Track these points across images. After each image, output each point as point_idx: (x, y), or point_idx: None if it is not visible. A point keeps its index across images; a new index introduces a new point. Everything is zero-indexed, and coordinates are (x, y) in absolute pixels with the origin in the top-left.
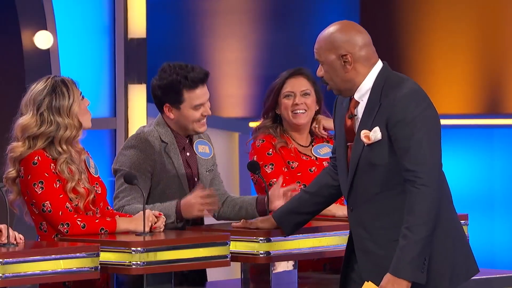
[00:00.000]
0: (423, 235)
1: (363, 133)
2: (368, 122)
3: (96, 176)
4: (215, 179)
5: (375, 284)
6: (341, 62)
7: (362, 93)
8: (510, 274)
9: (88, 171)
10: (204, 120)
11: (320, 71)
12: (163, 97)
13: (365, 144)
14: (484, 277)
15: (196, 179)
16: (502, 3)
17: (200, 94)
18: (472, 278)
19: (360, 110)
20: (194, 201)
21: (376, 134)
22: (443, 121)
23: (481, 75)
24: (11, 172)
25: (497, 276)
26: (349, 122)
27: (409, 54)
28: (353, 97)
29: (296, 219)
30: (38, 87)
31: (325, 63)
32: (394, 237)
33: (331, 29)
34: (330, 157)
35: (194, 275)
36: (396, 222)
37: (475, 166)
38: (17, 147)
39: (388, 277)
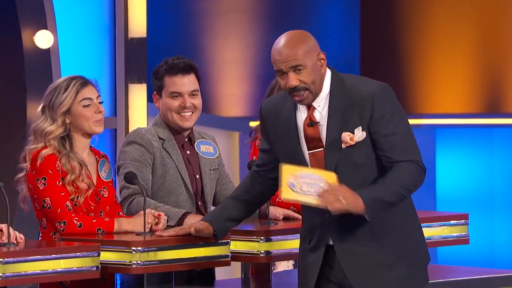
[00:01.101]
0: (402, 197)
1: (346, 135)
2: (342, 125)
3: (107, 180)
4: (223, 179)
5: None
6: (320, 63)
7: (321, 99)
8: (510, 274)
9: (98, 174)
10: (187, 114)
11: (295, 80)
12: (153, 84)
13: (345, 146)
14: (484, 276)
15: (197, 177)
16: (502, 3)
17: (178, 82)
18: (472, 278)
19: (319, 116)
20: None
21: (360, 133)
22: (443, 121)
23: (481, 75)
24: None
25: (497, 276)
26: (311, 130)
27: (409, 54)
28: (312, 104)
29: (231, 225)
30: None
31: (307, 67)
32: (379, 235)
33: (297, 36)
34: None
35: (203, 274)
36: (380, 219)
37: (475, 166)
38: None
39: (355, 193)
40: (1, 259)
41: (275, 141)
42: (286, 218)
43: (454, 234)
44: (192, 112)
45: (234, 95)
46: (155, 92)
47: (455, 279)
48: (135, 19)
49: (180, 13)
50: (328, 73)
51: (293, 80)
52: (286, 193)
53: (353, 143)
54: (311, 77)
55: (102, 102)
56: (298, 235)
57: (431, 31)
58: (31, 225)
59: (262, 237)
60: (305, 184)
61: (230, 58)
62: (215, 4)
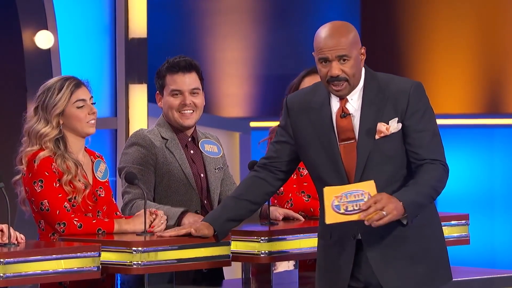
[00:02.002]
0: (432, 199)
1: (382, 125)
2: (377, 116)
3: (103, 180)
4: (227, 180)
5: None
6: (361, 57)
7: (354, 92)
8: (510, 274)
9: (94, 174)
10: (188, 112)
11: (338, 69)
12: (156, 84)
13: (379, 137)
14: (484, 277)
15: (202, 175)
16: (502, 3)
17: (179, 80)
18: (473, 278)
19: (351, 109)
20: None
21: (395, 124)
22: (443, 121)
23: (481, 75)
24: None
25: (497, 276)
26: (343, 121)
27: (409, 54)
28: (346, 97)
29: (232, 226)
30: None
31: (351, 58)
32: (406, 230)
33: (344, 26)
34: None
35: (211, 273)
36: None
37: (475, 166)
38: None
39: (395, 199)
40: (1, 260)
41: (300, 134)
42: (286, 218)
43: (455, 235)
44: (193, 111)
45: (234, 95)
46: (157, 92)
47: (455, 279)
48: (135, 19)
49: (180, 13)
50: (362, 68)
51: (336, 69)
52: (330, 217)
53: (388, 133)
54: (353, 69)
55: (94, 103)
56: (298, 235)
57: (431, 31)
58: (31, 226)
59: (263, 238)
60: (349, 204)
61: (230, 58)
62: (215, 4)
